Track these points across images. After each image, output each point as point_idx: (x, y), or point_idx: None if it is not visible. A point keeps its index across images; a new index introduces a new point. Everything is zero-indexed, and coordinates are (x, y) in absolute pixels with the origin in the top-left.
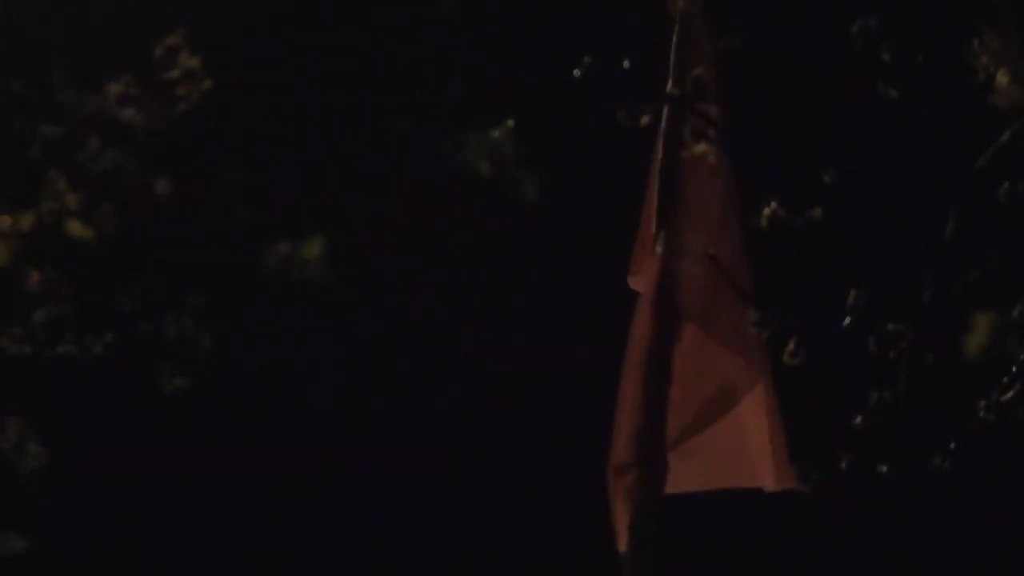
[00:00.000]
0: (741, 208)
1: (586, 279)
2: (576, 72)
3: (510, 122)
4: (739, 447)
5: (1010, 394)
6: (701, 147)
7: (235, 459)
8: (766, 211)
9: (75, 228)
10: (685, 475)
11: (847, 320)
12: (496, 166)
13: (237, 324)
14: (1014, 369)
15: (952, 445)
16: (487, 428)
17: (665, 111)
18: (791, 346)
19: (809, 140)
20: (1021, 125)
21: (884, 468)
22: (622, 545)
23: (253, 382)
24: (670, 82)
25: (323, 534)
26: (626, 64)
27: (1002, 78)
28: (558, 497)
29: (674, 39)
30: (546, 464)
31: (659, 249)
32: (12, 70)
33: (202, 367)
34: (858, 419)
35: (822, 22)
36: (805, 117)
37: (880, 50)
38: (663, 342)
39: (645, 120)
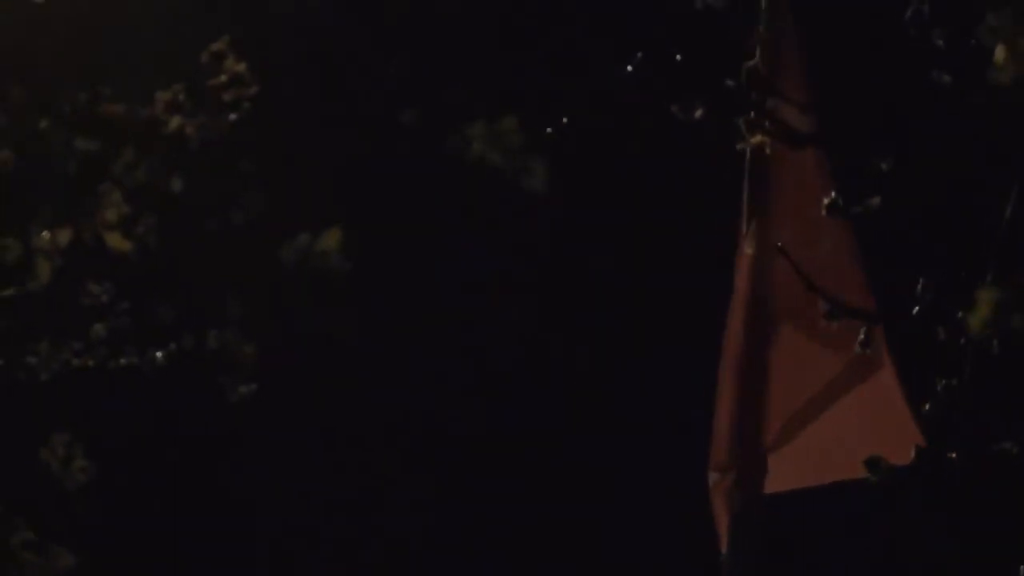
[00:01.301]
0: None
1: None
2: (628, 67)
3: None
4: (839, 441)
5: None
6: (757, 138)
7: (284, 468)
8: (826, 201)
9: (115, 241)
10: (786, 474)
11: (916, 309)
12: (506, 156)
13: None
14: None
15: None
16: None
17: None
18: (861, 336)
19: (865, 127)
20: None
21: (953, 455)
22: (722, 543)
23: (297, 390)
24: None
25: (374, 540)
26: (678, 57)
27: (1000, 53)
28: (659, 499)
29: (759, 34)
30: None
31: (749, 250)
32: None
33: (250, 376)
34: (926, 407)
35: (874, 9)
36: (860, 105)
37: (933, 36)
38: (759, 342)
39: (699, 113)
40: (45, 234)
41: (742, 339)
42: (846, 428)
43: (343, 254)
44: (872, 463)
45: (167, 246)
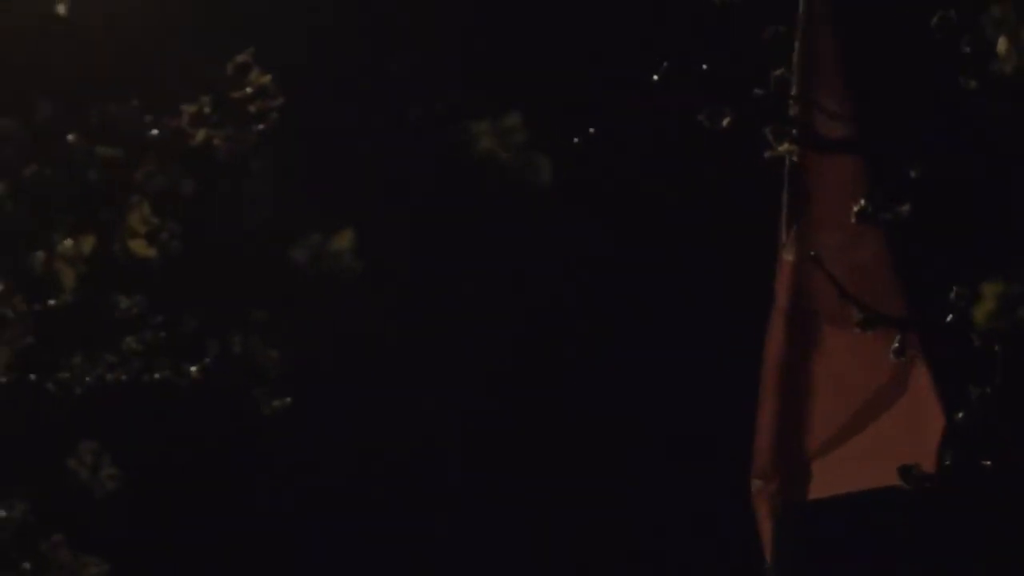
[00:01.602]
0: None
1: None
2: (655, 77)
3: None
4: (880, 447)
5: None
6: (784, 146)
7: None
8: (855, 208)
9: (139, 248)
10: (828, 480)
11: (949, 316)
12: (511, 151)
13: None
14: None
15: None
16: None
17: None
18: (896, 344)
19: (893, 134)
20: None
21: (987, 463)
22: (768, 556)
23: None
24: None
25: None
26: (704, 67)
27: (1002, 44)
28: (701, 509)
29: (797, 43)
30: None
31: (789, 257)
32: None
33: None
34: (959, 415)
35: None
36: (889, 111)
37: (961, 42)
38: (800, 349)
39: (726, 122)
40: (68, 242)
41: (783, 346)
42: (887, 434)
43: (355, 254)
44: (904, 471)
45: (189, 253)
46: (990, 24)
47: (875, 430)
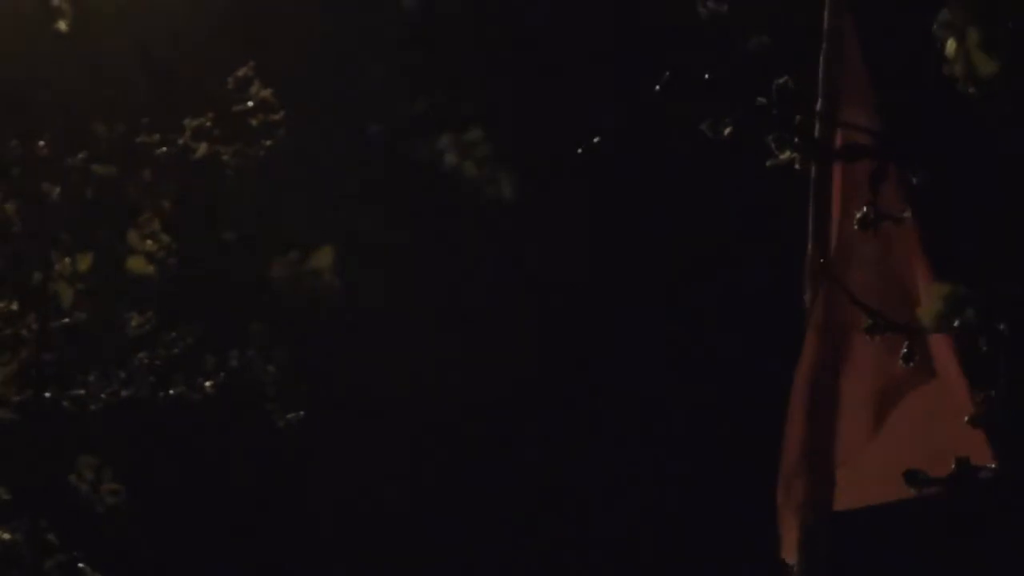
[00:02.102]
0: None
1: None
2: (656, 87)
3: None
4: (908, 458)
5: None
6: (787, 155)
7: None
8: (858, 215)
9: (137, 265)
10: (856, 491)
11: (956, 322)
12: (476, 165)
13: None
14: None
15: None
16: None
17: (817, 128)
18: (904, 350)
19: (895, 140)
20: None
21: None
22: (790, 556)
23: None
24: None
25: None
26: (706, 76)
27: (950, 47)
28: (724, 512)
29: (822, 55)
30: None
31: (819, 265)
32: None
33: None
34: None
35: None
36: (887, 117)
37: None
38: (830, 359)
39: (728, 131)
40: (67, 260)
41: (817, 355)
42: (917, 445)
43: (334, 272)
44: (911, 476)
45: (187, 269)
46: (939, 26)
47: (905, 441)
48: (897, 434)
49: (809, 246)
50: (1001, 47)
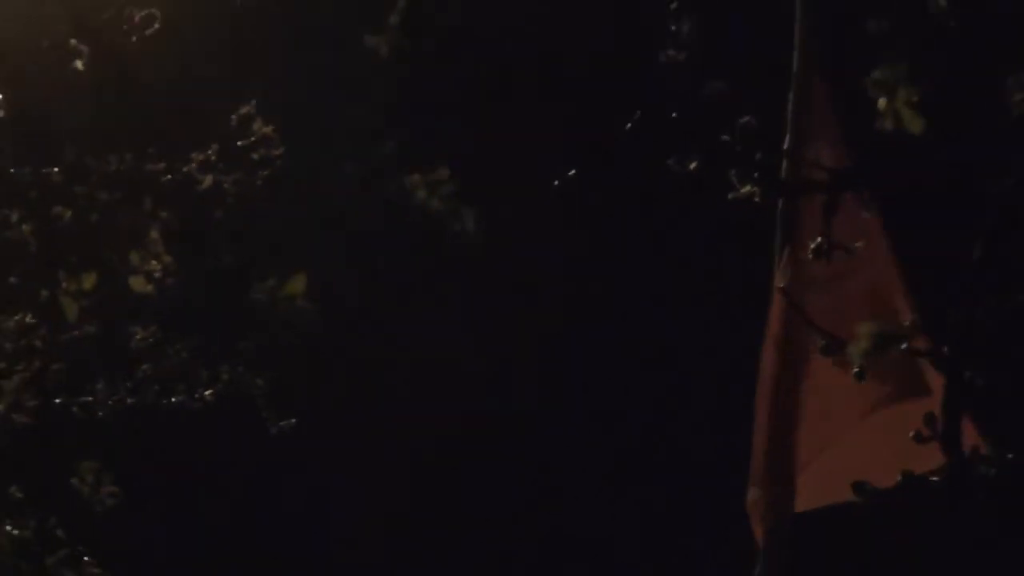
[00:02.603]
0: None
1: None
2: (628, 125)
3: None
4: (868, 462)
5: None
6: (747, 188)
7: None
8: (812, 245)
9: (137, 284)
10: (816, 493)
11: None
12: (442, 202)
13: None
14: None
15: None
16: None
17: (784, 164)
18: (856, 367)
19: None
20: None
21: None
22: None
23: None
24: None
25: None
26: (673, 115)
27: (882, 103)
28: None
29: (791, 97)
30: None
31: (781, 284)
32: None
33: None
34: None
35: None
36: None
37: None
38: (791, 370)
39: (693, 166)
40: (69, 278)
41: (776, 368)
42: (877, 450)
43: (308, 298)
44: (858, 486)
45: (183, 288)
46: (871, 85)
47: (865, 446)
48: (854, 442)
49: (775, 272)
50: (926, 106)
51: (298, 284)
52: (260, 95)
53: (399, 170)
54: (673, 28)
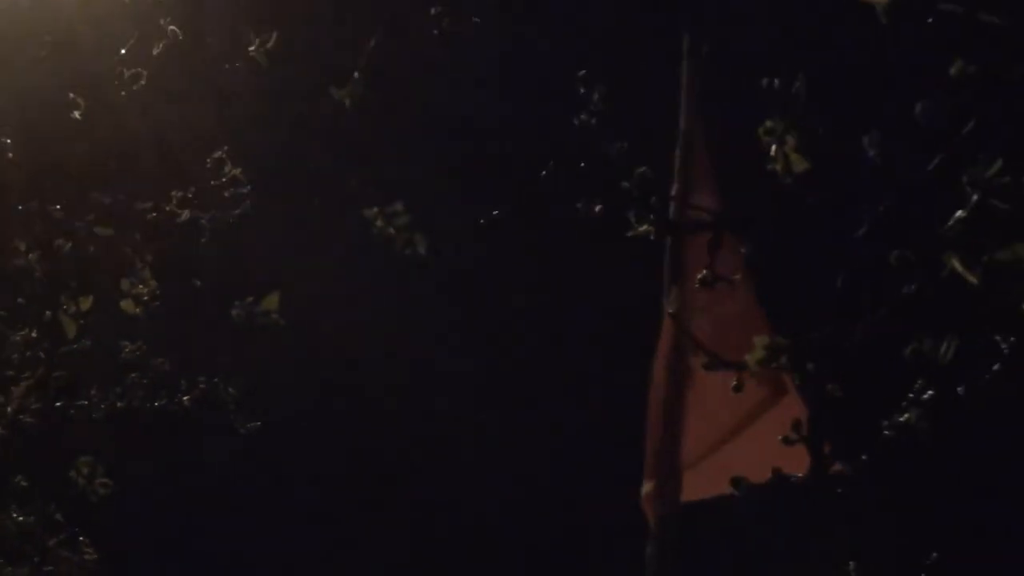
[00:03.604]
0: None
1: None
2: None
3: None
4: (745, 458)
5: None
6: (643, 228)
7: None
8: (699, 276)
9: (127, 306)
10: (700, 485)
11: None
12: (397, 231)
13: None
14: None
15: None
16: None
17: (673, 208)
18: (734, 382)
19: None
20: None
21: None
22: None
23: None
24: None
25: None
26: (582, 164)
27: (773, 148)
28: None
29: (677, 151)
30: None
31: (670, 309)
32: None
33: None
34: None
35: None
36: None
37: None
38: (678, 380)
39: (598, 209)
40: (69, 301)
41: (664, 377)
42: (751, 448)
43: (279, 313)
44: (735, 481)
45: (166, 309)
46: (763, 134)
47: (741, 445)
48: (733, 444)
49: (665, 300)
50: (810, 150)
51: (272, 301)
52: (232, 141)
53: (360, 204)
54: (583, 94)
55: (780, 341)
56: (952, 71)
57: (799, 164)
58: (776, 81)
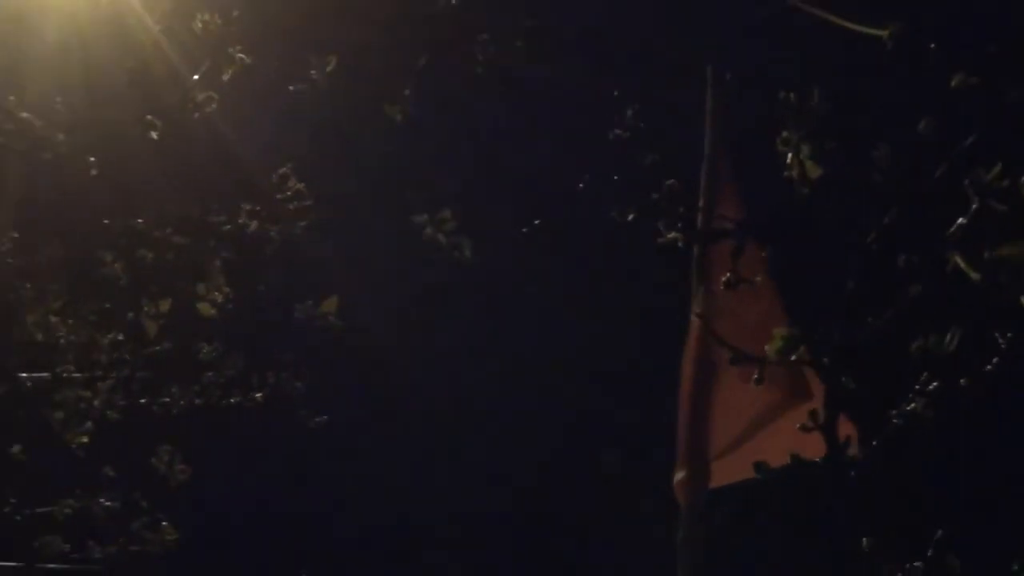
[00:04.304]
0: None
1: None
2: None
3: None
4: (767, 448)
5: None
6: (672, 235)
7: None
8: (723, 279)
9: (204, 309)
10: (726, 473)
11: (792, 356)
12: (445, 236)
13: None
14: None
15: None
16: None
17: (700, 217)
18: (755, 375)
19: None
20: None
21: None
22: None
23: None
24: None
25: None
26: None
27: (789, 157)
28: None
29: (704, 166)
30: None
31: (697, 310)
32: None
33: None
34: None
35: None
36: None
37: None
38: (705, 377)
39: (631, 217)
40: (150, 304)
41: (694, 377)
42: (773, 439)
43: (337, 316)
44: (757, 466)
45: (237, 312)
46: (780, 143)
47: (765, 435)
48: (757, 433)
49: (693, 301)
50: (824, 159)
51: (331, 304)
52: (296, 158)
53: (411, 211)
54: (617, 111)
55: (797, 332)
56: (953, 83)
57: (814, 171)
58: (792, 95)
